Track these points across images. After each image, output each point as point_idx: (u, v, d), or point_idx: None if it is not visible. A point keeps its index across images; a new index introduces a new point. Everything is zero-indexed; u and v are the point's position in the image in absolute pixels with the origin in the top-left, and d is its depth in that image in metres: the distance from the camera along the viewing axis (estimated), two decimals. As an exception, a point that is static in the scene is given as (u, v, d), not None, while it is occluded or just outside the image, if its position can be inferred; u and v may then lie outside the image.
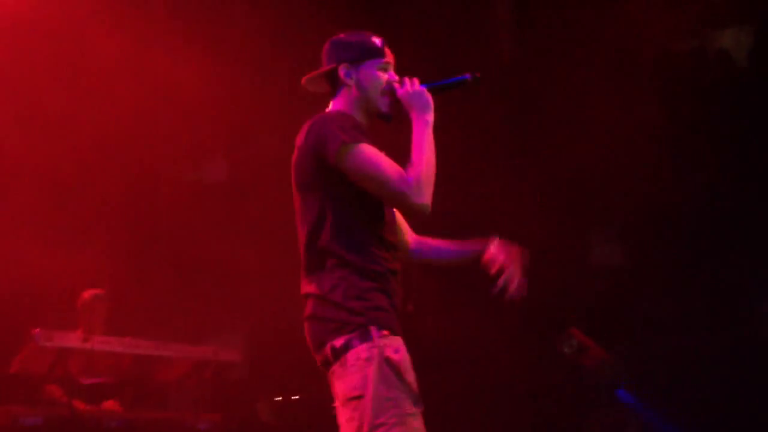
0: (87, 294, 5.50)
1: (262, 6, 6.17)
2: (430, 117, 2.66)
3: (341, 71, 2.74)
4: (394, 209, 2.76)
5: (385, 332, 2.54)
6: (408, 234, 2.93)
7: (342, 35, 2.79)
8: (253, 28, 6.17)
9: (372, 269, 2.58)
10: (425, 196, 2.56)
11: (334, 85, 2.77)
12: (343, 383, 2.53)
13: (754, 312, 5.76)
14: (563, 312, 5.48)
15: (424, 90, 2.70)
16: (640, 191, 5.74)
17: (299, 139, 2.69)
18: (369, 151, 2.59)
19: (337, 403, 2.58)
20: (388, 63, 2.77)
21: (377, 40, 2.77)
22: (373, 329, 2.53)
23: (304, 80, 2.81)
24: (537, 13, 6.41)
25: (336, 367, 2.55)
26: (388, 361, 2.50)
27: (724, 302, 5.63)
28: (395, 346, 2.53)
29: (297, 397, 5.89)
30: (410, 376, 2.53)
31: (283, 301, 6.25)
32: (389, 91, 2.73)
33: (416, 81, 2.72)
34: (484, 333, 5.38)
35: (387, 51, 2.78)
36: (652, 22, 5.79)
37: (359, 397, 2.50)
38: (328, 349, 2.56)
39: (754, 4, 5.94)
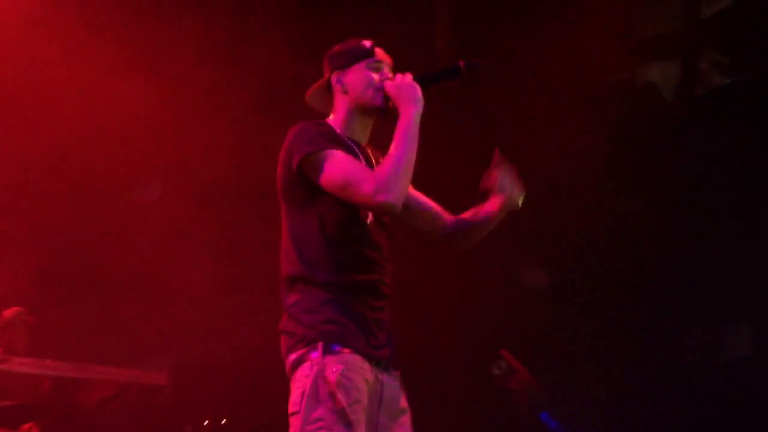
0: (8, 313, 5.36)
1: (203, 32, 6.14)
2: (416, 109, 2.60)
3: (333, 78, 2.74)
4: (373, 220, 2.68)
5: (336, 348, 2.50)
6: (441, 220, 2.86)
7: (335, 47, 2.80)
8: (195, 53, 6.13)
9: (332, 282, 2.55)
10: (392, 194, 2.50)
11: (332, 95, 2.77)
12: (290, 397, 2.53)
13: (679, 340, 5.86)
14: (495, 334, 5.51)
15: (413, 83, 2.65)
16: (570, 218, 5.82)
17: (281, 152, 2.68)
18: (334, 155, 2.57)
19: None
20: (379, 62, 2.75)
21: (366, 43, 2.76)
22: (320, 345, 2.51)
23: (307, 97, 2.81)
24: (472, 41, 6.49)
25: (291, 382, 2.56)
26: (324, 380, 2.47)
27: (649, 330, 5.72)
28: (336, 365, 2.48)
29: (224, 421, 5.79)
30: (347, 398, 2.46)
31: (212, 324, 6.21)
32: (381, 87, 2.69)
33: (408, 75, 2.68)
34: (416, 352, 5.36)
35: (378, 51, 2.76)
36: (583, 53, 5.91)
37: (296, 413, 2.49)
38: (288, 364, 2.57)
39: (681, 40, 6.11)
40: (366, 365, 2.54)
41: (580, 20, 5.89)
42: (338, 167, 2.55)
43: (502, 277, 5.95)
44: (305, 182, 2.59)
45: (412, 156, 2.55)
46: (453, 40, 6.60)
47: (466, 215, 2.87)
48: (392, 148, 2.56)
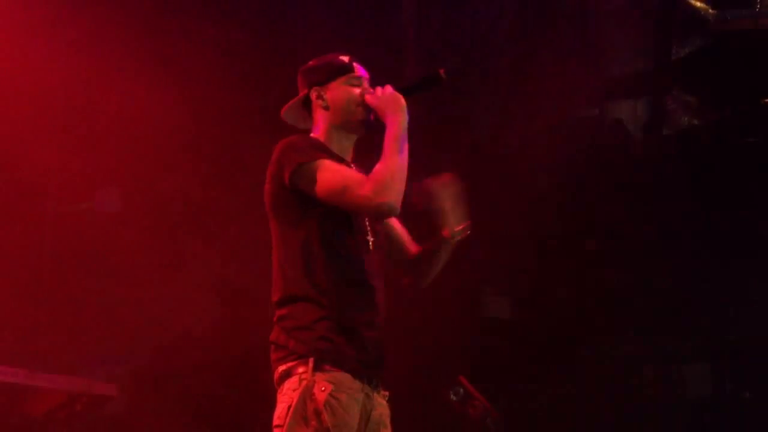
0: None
1: (178, 40, 6.09)
2: (402, 117, 2.61)
3: (312, 94, 2.73)
4: (369, 244, 2.67)
5: (327, 366, 2.48)
6: (408, 251, 2.84)
7: (310, 62, 2.79)
8: (165, 59, 6.06)
9: (326, 298, 2.53)
10: (389, 196, 2.49)
11: (310, 111, 2.75)
12: (275, 410, 2.51)
13: (636, 374, 5.90)
14: (453, 360, 5.50)
15: (395, 93, 2.66)
16: (533, 248, 5.85)
17: (269, 167, 2.66)
18: (327, 164, 2.56)
19: None
20: (359, 77, 2.75)
21: (344, 58, 2.77)
22: (311, 361, 2.48)
23: (282, 113, 2.78)
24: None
25: (278, 394, 2.54)
26: (311, 397, 2.44)
27: (608, 365, 5.76)
28: (325, 384, 2.46)
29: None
30: (333, 419, 2.43)
31: (168, 334, 6.11)
32: (363, 102, 2.70)
33: (388, 87, 2.69)
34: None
35: (356, 66, 2.77)
36: (552, 88, 5.97)
37: (279, 426, 2.48)
38: (276, 374, 2.55)
39: (651, 80, 6.20)
40: (356, 384, 2.52)
41: (552, 55, 5.97)
42: (333, 174, 2.54)
43: (463, 304, 5.95)
44: (298, 195, 2.57)
45: (404, 161, 2.55)
46: (423, 62, 6.64)
47: (416, 250, 2.85)
48: (385, 154, 2.55)
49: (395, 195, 2.50)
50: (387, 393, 2.64)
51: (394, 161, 2.53)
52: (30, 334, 5.92)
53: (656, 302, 5.63)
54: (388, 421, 2.63)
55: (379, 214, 2.59)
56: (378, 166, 2.53)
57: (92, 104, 5.89)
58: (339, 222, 2.59)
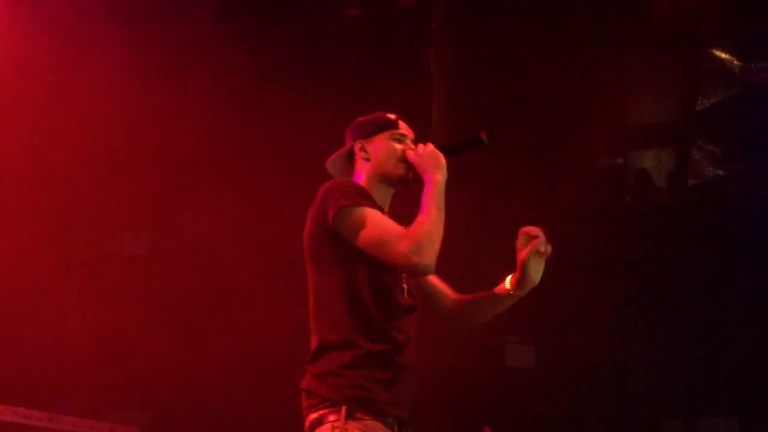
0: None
1: (199, 80, 6.16)
2: (441, 176, 2.63)
3: (356, 146, 2.80)
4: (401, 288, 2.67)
5: (359, 414, 2.48)
6: (448, 298, 2.83)
7: (359, 118, 2.86)
8: (191, 104, 6.14)
9: (359, 346, 2.53)
10: (425, 256, 2.50)
11: (353, 164, 2.81)
12: None
13: (663, 427, 5.84)
14: (478, 410, 5.47)
15: (436, 151, 2.70)
16: (557, 298, 5.81)
17: (311, 209, 2.69)
18: (369, 213, 2.58)
19: None
20: (403, 135, 2.80)
21: (391, 115, 2.83)
22: (344, 409, 2.48)
23: (327, 163, 2.84)
24: (469, 117, 6.56)
25: None
26: None
27: (631, 417, 5.69)
28: None
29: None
30: None
31: (190, 378, 6.10)
32: (403, 157, 2.75)
33: (429, 145, 2.73)
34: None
35: (401, 124, 2.83)
36: (576, 139, 5.99)
37: None
38: (307, 422, 2.54)
39: (676, 130, 6.21)
40: None
41: (577, 104, 6.00)
42: (374, 224, 2.56)
43: (486, 353, 5.92)
44: (337, 238, 2.59)
45: (442, 220, 2.57)
46: (449, 114, 6.68)
47: (468, 295, 2.85)
48: (422, 212, 2.58)
49: (431, 255, 2.52)
50: None
51: (432, 220, 2.55)
52: (53, 377, 5.94)
53: (684, 351, 5.58)
54: None
55: (414, 272, 2.59)
56: (416, 224, 2.55)
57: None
58: (374, 268, 2.60)
